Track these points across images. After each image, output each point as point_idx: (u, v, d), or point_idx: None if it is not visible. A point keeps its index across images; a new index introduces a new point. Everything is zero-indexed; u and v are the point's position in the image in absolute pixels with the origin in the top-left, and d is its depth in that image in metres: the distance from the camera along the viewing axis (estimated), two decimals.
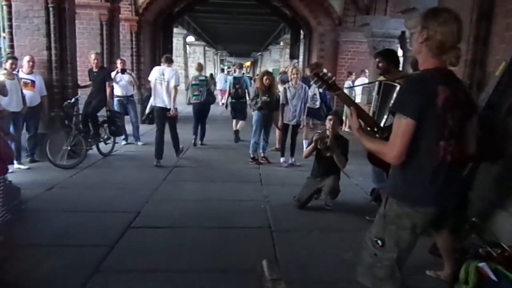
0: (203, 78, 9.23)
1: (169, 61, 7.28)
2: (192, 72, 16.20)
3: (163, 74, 6.97)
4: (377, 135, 2.47)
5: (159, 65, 7.38)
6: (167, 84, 6.92)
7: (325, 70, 2.72)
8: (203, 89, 8.88)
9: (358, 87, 10.25)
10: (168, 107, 6.93)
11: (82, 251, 3.65)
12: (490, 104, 3.99)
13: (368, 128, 2.49)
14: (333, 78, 2.47)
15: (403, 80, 3.30)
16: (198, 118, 8.97)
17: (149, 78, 7.20)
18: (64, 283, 3.10)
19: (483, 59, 4.46)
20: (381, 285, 2.19)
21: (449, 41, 1.96)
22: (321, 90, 7.55)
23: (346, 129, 10.57)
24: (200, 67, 9.72)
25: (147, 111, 8.93)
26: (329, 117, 5.04)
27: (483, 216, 3.95)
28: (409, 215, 2.07)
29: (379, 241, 2.14)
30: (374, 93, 3.87)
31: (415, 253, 3.00)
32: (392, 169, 2.19)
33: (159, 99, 6.96)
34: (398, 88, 3.53)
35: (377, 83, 3.87)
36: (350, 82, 11.34)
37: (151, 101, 7.39)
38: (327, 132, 4.89)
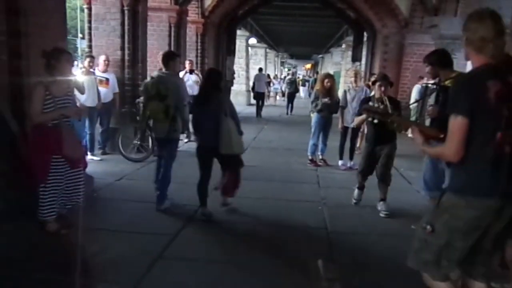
0: (293, 78, 19.22)
1: (260, 70, 18.24)
2: (253, 73, 20.28)
3: (259, 75, 16.64)
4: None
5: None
6: (263, 81, 16.46)
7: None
8: (293, 84, 18.10)
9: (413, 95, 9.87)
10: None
11: (147, 238, 3.91)
12: None
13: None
14: (381, 106, 2.66)
15: (453, 81, 3.32)
16: (290, 100, 17.35)
17: (253, 79, 17.11)
18: (131, 266, 3.33)
19: None
20: (425, 269, 2.25)
21: (487, 35, 2.07)
22: None
23: (410, 135, 10.24)
24: (292, 73, 21.68)
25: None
26: (378, 83, 4.87)
27: None
28: (466, 206, 2.08)
29: (428, 227, 2.20)
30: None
31: None
32: (451, 167, 2.25)
33: (258, 88, 15.97)
34: (432, 88, 3.49)
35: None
36: (419, 86, 10.93)
37: (255, 89, 16.16)
38: (383, 101, 4.49)
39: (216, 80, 4.52)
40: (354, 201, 5.24)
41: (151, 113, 4.59)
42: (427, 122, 3.65)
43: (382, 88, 4.82)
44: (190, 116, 4.75)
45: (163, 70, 4.78)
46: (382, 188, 4.95)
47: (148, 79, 4.82)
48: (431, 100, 3.91)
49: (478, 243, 2.17)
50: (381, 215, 4.86)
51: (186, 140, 8.90)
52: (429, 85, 3.67)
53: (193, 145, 9.06)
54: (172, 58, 4.75)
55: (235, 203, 4.99)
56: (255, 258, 3.63)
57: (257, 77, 16.33)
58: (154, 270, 3.29)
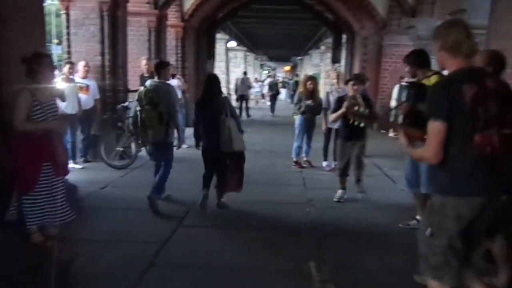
0: (275, 81, 21.00)
1: (245, 74, 18.96)
2: (234, 76, 21.85)
3: (244, 79, 17.38)
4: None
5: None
6: (247, 84, 17.41)
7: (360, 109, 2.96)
8: (275, 86, 19.61)
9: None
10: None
11: (136, 246, 3.84)
12: None
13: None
14: (366, 110, 2.90)
15: (429, 79, 3.48)
16: (272, 101, 18.59)
17: (236, 82, 18.15)
18: (123, 276, 3.27)
19: None
20: (437, 274, 2.25)
21: (460, 38, 2.19)
22: None
23: (391, 134, 10.40)
24: (274, 76, 24.66)
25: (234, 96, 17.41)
26: (351, 82, 5.26)
27: None
28: (453, 204, 2.16)
29: (428, 230, 2.25)
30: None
31: None
32: (432, 170, 2.35)
33: (242, 91, 16.60)
34: (405, 85, 3.60)
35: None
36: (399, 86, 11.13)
37: (239, 92, 16.81)
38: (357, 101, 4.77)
39: (216, 85, 4.92)
40: (336, 199, 5.39)
41: (146, 120, 4.79)
42: (400, 119, 3.72)
43: (355, 87, 5.17)
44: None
45: (155, 78, 4.98)
46: (357, 174, 5.35)
47: (142, 88, 5.08)
48: (403, 97, 4.02)
49: (473, 242, 2.22)
50: (359, 195, 5.25)
51: (176, 145, 8.87)
52: (403, 83, 3.80)
53: (181, 151, 9.01)
54: (163, 67, 5.08)
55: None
56: (246, 261, 3.62)
57: (241, 81, 17.26)
58: (147, 278, 3.24)
